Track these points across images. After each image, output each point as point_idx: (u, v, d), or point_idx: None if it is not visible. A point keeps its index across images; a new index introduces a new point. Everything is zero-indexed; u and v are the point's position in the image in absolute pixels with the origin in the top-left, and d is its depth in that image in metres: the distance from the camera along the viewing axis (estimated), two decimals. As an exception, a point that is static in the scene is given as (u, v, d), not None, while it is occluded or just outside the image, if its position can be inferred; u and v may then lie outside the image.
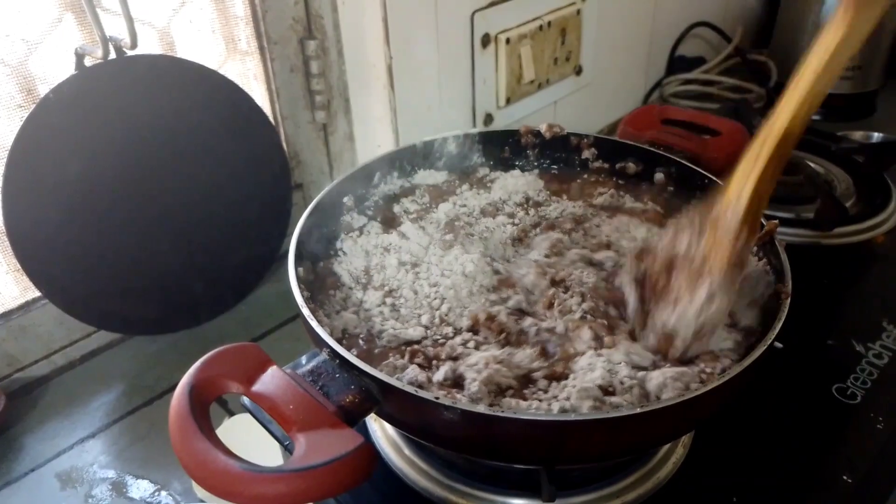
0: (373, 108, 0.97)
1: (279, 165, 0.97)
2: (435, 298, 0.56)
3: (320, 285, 0.59)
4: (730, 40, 1.42)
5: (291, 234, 0.57)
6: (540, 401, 0.47)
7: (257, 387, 0.45)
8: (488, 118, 1.02)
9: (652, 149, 0.70)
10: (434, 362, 0.51)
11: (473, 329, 0.54)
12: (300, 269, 0.55)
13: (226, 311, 0.95)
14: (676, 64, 1.36)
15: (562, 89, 1.10)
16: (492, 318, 0.54)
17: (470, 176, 0.75)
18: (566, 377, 0.49)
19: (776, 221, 0.59)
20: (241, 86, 0.86)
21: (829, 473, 0.57)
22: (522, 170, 0.76)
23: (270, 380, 0.46)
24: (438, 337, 0.53)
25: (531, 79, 1.03)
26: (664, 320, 0.50)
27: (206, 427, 0.42)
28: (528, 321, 0.54)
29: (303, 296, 0.52)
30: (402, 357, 0.51)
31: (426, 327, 0.54)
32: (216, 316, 0.94)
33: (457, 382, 0.49)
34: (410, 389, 0.43)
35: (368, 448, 0.42)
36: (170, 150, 0.81)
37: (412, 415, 0.46)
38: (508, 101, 1.03)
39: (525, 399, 0.47)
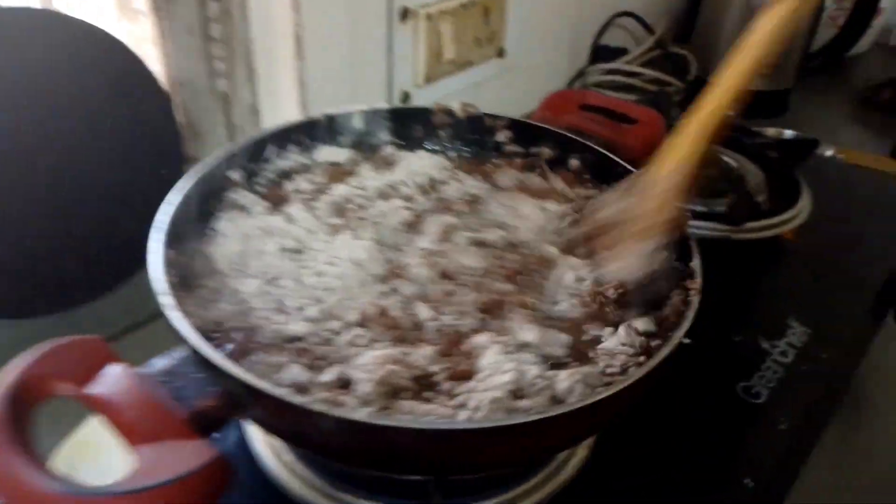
0: (280, 80, 0.91)
1: (170, 136, 0.89)
2: (321, 289, 0.51)
3: (194, 271, 0.52)
4: (653, 32, 1.42)
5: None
6: (444, 406, 0.42)
7: (93, 388, 0.38)
8: (405, 97, 0.98)
9: (567, 133, 0.67)
10: (321, 362, 0.45)
11: (363, 324, 0.48)
12: (170, 252, 0.48)
13: (105, 294, 0.86)
14: (599, 53, 1.34)
15: (484, 71, 1.06)
16: (384, 313, 0.49)
17: (374, 155, 0.69)
18: (471, 376, 0.45)
19: (688, 213, 0.56)
20: (131, 48, 0.78)
21: (731, 475, 0.56)
22: (432, 151, 0.71)
23: (111, 380, 0.39)
24: (326, 332, 0.48)
25: (451, 58, 0.98)
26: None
27: (23, 438, 0.35)
28: (423, 313, 0.49)
29: (169, 282, 0.45)
30: (284, 355, 0.45)
31: (312, 321, 0.48)
32: (93, 299, 0.85)
33: (346, 384, 0.44)
34: (278, 393, 0.38)
35: (221, 464, 0.36)
36: (45, 113, 0.73)
37: (284, 422, 0.41)
38: (428, 80, 1.00)
39: (426, 402, 0.42)
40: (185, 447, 0.36)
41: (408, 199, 0.63)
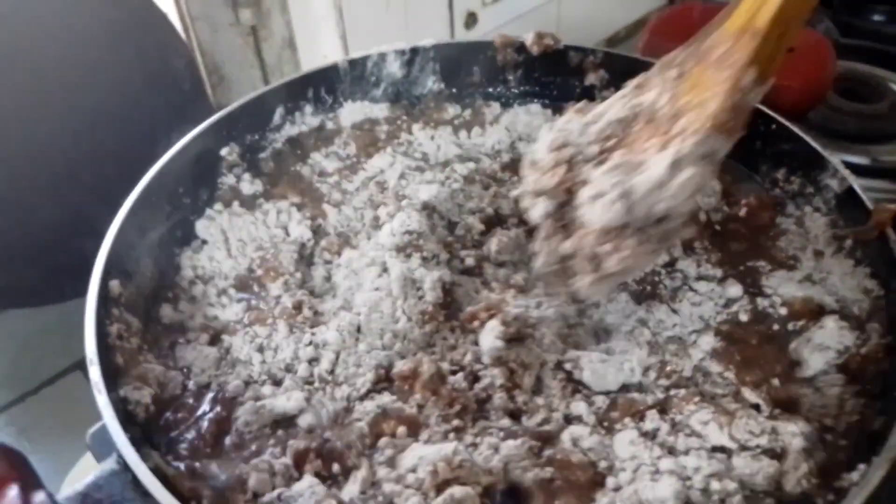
0: (314, 5, 0.76)
1: (189, 83, 0.77)
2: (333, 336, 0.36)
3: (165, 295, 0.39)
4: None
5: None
6: None
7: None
8: (471, 19, 0.83)
9: None
10: (336, 466, 0.31)
11: (385, 385, 0.34)
12: (113, 284, 0.35)
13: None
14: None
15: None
16: (441, 378, 0.34)
17: (423, 112, 0.53)
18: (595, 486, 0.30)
19: (893, 207, 0.36)
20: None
21: None
22: (504, 102, 0.54)
23: (-4, 525, 0.25)
24: (334, 406, 0.33)
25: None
26: (600, 190, 0.32)
27: None
28: (485, 380, 0.34)
29: (109, 325, 0.33)
30: (282, 453, 0.32)
31: (308, 385, 0.34)
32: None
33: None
34: None
35: None
36: (37, 71, 0.63)
37: None
38: None
39: None
40: None
41: (493, 178, 0.47)
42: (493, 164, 0.48)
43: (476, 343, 0.36)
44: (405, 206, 0.42)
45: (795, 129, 0.44)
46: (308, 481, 0.30)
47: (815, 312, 0.36)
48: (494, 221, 0.44)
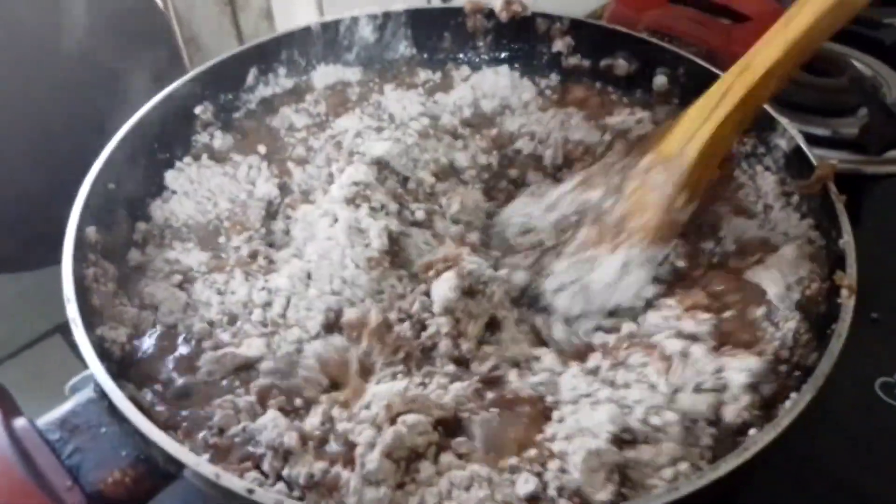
0: None
1: (166, 52, 0.76)
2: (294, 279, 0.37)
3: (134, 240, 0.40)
4: None
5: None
6: (500, 473, 0.30)
7: (-49, 458, 0.26)
8: None
9: (651, 39, 0.53)
10: (298, 400, 0.33)
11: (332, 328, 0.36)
12: (90, 230, 0.36)
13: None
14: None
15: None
16: (388, 327, 0.35)
17: (395, 76, 0.54)
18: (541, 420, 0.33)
19: (834, 163, 0.39)
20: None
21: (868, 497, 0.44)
22: (475, 67, 0.55)
23: (-24, 445, 0.27)
24: (287, 348, 0.35)
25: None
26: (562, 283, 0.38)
27: None
28: (431, 329, 0.35)
29: (85, 268, 0.35)
30: (246, 391, 0.33)
31: (265, 328, 0.36)
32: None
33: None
34: (237, 487, 0.26)
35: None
36: (10, 39, 0.63)
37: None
38: None
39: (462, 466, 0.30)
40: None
41: (456, 135, 0.48)
42: (453, 120, 0.50)
43: (426, 293, 0.38)
44: (355, 161, 0.43)
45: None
46: (271, 414, 0.31)
47: (770, 248, 0.39)
48: (449, 173, 0.45)
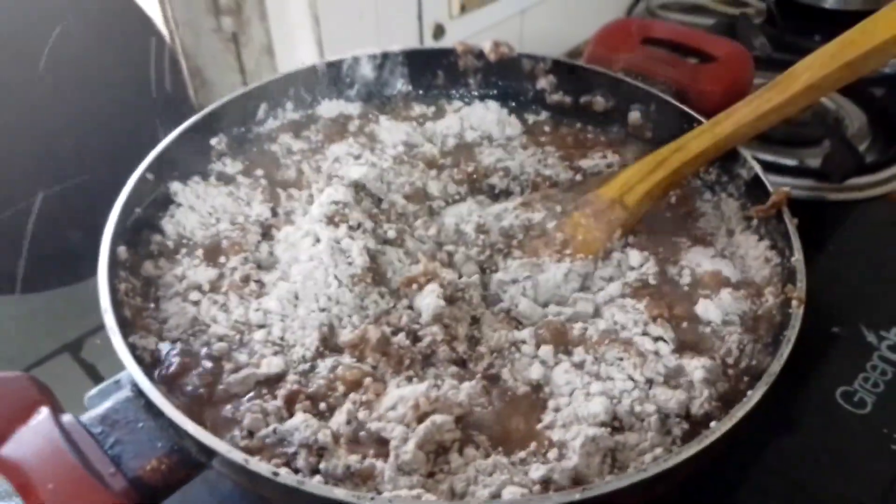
0: (291, 14, 0.80)
1: (173, 86, 0.79)
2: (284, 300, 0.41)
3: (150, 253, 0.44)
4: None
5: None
6: (513, 465, 0.33)
7: (8, 449, 0.30)
8: (438, 30, 0.87)
9: (626, 78, 0.56)
10: (322, 405, 0.36)
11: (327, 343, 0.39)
12: (120, 250, 0.40)
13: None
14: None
15: (529, -4, 0.92)
16: (387, 341, 0.39)
17: (392, 109, 0.59)
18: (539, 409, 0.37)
19: (787, 189, 0.44)
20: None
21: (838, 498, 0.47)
22: (466, 102, 0.60)
23: (31, 438, 0.30)
24: (304, 365, 0.38)
25: (491, -19, 0.85)
26: (514, 277, 0.44)
27: None
28: (427, 338, 0.39)
29: (118, 283, 0.38)
30: (272, 397, 0.36)
31: (275, 347, 0.39)
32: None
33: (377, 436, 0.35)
34: (264, 470, 0.29)
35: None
36: (25, 67, 0.65)
37: (267, 492, 0.32)
38: (464, 8, 0.88)
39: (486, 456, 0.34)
40: (115, 534, 0.28)
41: (432, 165, 0.51)
42: (433, 149, 0.53)
43: (409, 307, 0.41)
44: (334, 183, 0.46)
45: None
46: (301, 417, 0.34)
47: (720, 283, 0.43)
48: (422, 197, 0.49)
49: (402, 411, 0.34)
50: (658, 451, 0.33)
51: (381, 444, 0.33)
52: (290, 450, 0.33)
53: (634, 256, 0.45)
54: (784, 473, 0.49)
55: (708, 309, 0.41)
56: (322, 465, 0.32)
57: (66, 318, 0.75)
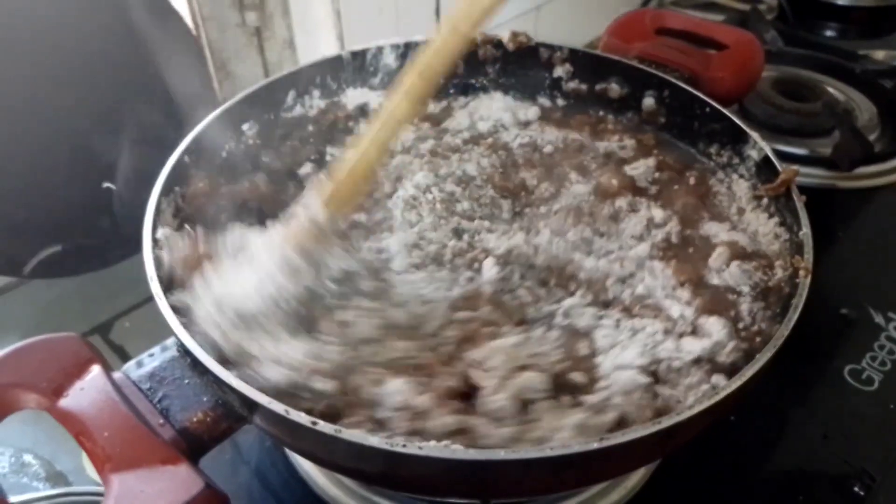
0: (313, 9, 0.83)
1: (199, 77, 0.82)
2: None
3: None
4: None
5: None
6: (578, 404, 0.36)
7: (66, 401, 0.32)
8: None
9: (640, 66, 0.58)
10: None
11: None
12: (161, 232, 0.42)
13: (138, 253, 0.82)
14: (680, -35, 1.17)
15: (546, -10, 0.94)
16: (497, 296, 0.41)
17: None
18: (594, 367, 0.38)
19: (795, 168, 0.45)
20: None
21: (837, 479, 0.49)
22: (484, 91, 0.62)
23: (86, 391, 0.33)
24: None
25: (505, -24, 0.86)
26: None
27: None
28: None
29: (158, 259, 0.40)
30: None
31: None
32: (129, 256, 0.81)
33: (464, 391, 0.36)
34: (303, 420, 0.31)
35: (210, 495, 0.29)
36: (59, 65, 0.68)
37: (306, 444, 0.34)
38: None
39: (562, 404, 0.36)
40: (166, 476, 0.30)
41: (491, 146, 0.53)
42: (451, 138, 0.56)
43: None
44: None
45: (726, 112, 0.52)
46: (398, 383, 0.35)
47: (736, 252, 0.44)
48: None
49: (497, 362, 0.36)
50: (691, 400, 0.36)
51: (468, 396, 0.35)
52: (385, 415, 0.34)
53: (658, 213, 0.47)
54: (794, 445, 0.51)
55: (725, 275, 0.43)
56: (419, 426, 0.33)
57: (97, 302, 0.77)
